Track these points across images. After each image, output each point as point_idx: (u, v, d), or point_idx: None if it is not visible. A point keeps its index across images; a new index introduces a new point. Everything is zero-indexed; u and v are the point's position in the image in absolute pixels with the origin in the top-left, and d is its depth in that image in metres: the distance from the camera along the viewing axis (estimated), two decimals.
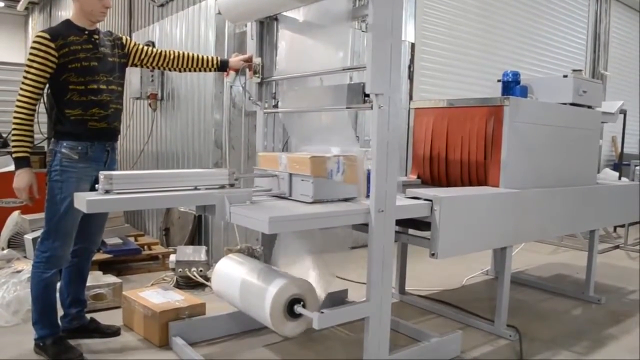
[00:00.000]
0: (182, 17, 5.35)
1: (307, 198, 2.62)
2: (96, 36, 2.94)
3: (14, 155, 2.78)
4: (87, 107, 2.86)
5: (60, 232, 2.85)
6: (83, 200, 2.31)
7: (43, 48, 2.73)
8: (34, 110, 2.79)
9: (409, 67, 6.21)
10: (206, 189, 2.64)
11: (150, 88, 5.63)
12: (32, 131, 2.80)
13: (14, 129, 2.75)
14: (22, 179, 2.79)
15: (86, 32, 2.89)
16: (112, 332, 3.25)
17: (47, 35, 2.76)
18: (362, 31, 2.51)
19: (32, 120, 2.78)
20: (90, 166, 2.88)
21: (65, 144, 2.84)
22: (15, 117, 2.74)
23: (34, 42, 2.75)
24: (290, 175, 2.75)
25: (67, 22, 2.91)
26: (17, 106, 2.74)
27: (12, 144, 2.78)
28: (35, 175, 2.83)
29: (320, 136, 3.05)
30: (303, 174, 2.66)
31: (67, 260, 2.96)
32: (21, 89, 2.75)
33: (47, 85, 2.83)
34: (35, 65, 2.73)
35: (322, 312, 2.42)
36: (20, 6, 12.54)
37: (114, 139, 3.05)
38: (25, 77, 2.75)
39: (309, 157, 2.63)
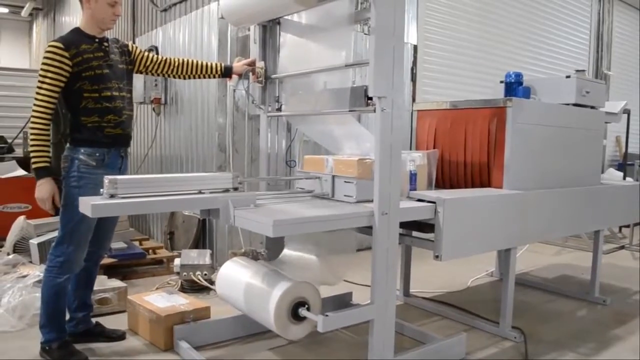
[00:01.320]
0: (185, 22, 5.38)
1: (350, 199, 2.72)
2: (106, 44, 2.97)
3: (34, 166, 2.78)
4: (103, 114, 2.90)
5: (75, 237, 2.87)
6: (88, 205, 2.32)
7: (57, 58, 2.75)
8: (51, 119, 2.81)
9: (412, 69, 6.21)
10: (210, 192, 2.65)
11: (153, 92, 5.65)
12: (49, 140, 2.82)
13: (33, 139, 2.75)
14: (45, 189, 2.80)
15: (96, 40, 2.93)
16: (117, 336, 3.26)
17: (60, 45, 2.77)
18: (365, 34, 2.52)
19: (49, 130, 2.80)
20: (107, 172, 2.88)
21: (82, 151, 2.86)
22: (32, 128, 2.75)
23: (48, 52, 2.76)
24: (334, 177, 2.83)
25: (77, 30, 2.93)
26: (34, 117, 2.75)
27: (31, 154, 2.78)
28: (55, 184, 2.86)
29: (349, 142, 3.09)
30: (347, 175, 2.77)
31: (81, 265, 2.98)
32: (36, 99, 2.76)
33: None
34: (49, 75, 2.75)
35: (326, 315, 2.43)
36: (25, 12, 12.61)
37: (128, 144, 3.09)
38: (40, 88, 2.76)
39: (357, 159, 2.74)
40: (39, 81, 2.77)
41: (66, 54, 2.77)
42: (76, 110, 2.88)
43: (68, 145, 2.94)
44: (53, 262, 2.88)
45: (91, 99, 2.86)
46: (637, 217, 4.53)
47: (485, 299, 4.27)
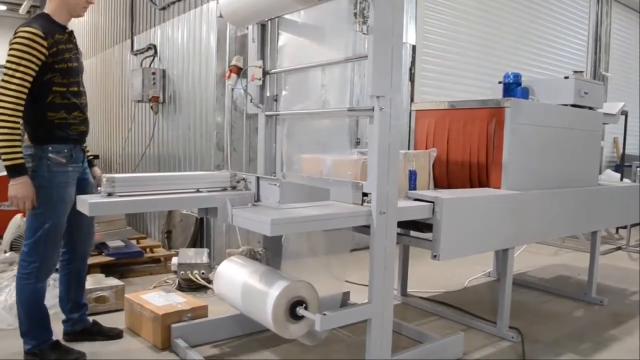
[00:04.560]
0: (184, 20, 5.37)
1: (273, 202, 2.58)
2: (73, 36, 2.87)
3: (10, 163, 2.56)
4: (70, 110, 2.79)
5: (50, 240, 2.75)
6: (85, 203, 2.32)
7: (35, 46, 2.58)
8: (22, 112, 2.60)
9: (410, 69, 6.22)
10: (208, 191, 2.65)
11: (151, 91, 5.64)
12: (21, 135, 2.64)
13: (5, 133, 2.53)
14: (25, 188, 2.61)
15: (67, 31, 2.80)
16: (114, 334, 3.25)
17: (40, 33, 2.60)
18: (363, 33, 2.51)
19: (20, 124, 2.61)
20: (75, 169, 2.85)
21: (50, 149, 2.72)
22: (5, 121, 2.53)
23: (24, 37, 2.57)
24: (258, 178, 2.74)
25: (47, 17, 2.74)
26: (5, 108, 2.53)
27: (3, 150, 2.56)
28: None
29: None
30: (271, 178, 2.71)
31: (56, 264, 2.90)
32: (7, 88, 2.54)
33: None
34: (24, 63, 2.56)
35: (324, 314, 2.43)
36: (22, 9, 12.57)
37: (85, 141, 3.02)
38: (11, 76, 2.55)
39: (355, 158, 2.72)
40: (11, 69, 2.56)
41: (45, 43, 2.61)
42: (42, 104, 2.70)
43: (30, 143, 2.76)
44: (28, 268, 2.74)
45: (59, 93, 2.73)
46: (634, 218, 4.54)
47: (482, 299, 4.27)
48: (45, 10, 2.79)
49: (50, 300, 3.16)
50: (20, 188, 2.61)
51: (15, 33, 2.62)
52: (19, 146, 2.60)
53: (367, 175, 2.61)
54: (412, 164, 3.08)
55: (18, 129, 2.59)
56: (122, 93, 6.94)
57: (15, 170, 2.60)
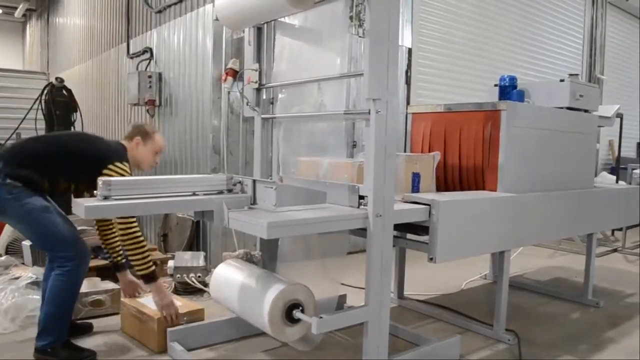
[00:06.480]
0: (180, 24, 5.37)
1: (270, 205, 2.57)
2: None
3: (147, 272, 3.09)
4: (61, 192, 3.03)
5: (66, 236, 2.89)
6: (81, 207, 2.31)
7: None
8: None
9: (406, 72, 6.23)
10: (204, 194, 2.64)
11: (148, 94, 5.63)
12: None
13: (143, 247, 3.07)
14: (164, 291, 3.19)
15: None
16: (87, 327, 3.35)
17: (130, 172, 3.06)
18: (360, 36, 2.52)
19: None
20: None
21: (8, 180, 2.81)
22: (137, 237, 3.05)
23: (125, 172, 2.97)
24: (254, 181, 2.73)
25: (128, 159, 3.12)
26: (134, 227, 3.06)
27: (142, 262, 3.07)
28: None
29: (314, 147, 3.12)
30: (268, 181, 2.71)
31: (90, 253, 3.14)
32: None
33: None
34: None
35: (321, 317, 2.42)
36: (18, 13, 12.56)
37: None
38: None
39: (351, 162, 2.73)
40: None
41: None
42: (70, 179, 2.96)
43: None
44: (70, 265, 2.86)
45: (81, 190, 3.01)
46: (630, 220, 4.55)
47: (479, 301, 4.27)
48: (125, 144, 3.20)
49: (33, 302, 3.32)
50: (162, 292, 3.16)
51: (119, 160, 2.99)
52: (149, 255, 3.12)
53: (363, 178, 2.62)
54: (416, 167, 3.07)
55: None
56: (118, 96, 6.93)
57: (151, 278, 3.12)
